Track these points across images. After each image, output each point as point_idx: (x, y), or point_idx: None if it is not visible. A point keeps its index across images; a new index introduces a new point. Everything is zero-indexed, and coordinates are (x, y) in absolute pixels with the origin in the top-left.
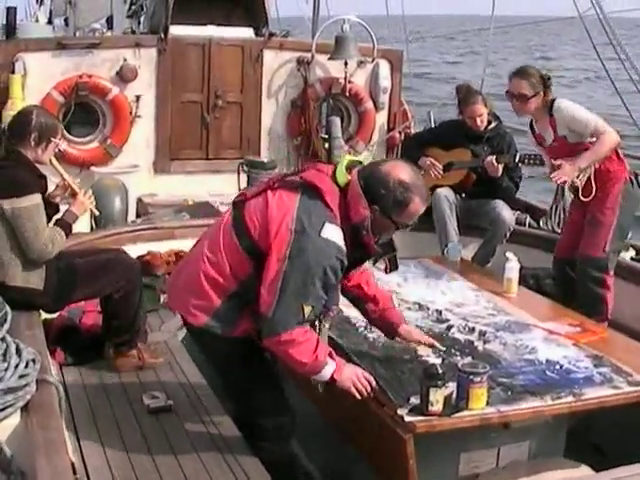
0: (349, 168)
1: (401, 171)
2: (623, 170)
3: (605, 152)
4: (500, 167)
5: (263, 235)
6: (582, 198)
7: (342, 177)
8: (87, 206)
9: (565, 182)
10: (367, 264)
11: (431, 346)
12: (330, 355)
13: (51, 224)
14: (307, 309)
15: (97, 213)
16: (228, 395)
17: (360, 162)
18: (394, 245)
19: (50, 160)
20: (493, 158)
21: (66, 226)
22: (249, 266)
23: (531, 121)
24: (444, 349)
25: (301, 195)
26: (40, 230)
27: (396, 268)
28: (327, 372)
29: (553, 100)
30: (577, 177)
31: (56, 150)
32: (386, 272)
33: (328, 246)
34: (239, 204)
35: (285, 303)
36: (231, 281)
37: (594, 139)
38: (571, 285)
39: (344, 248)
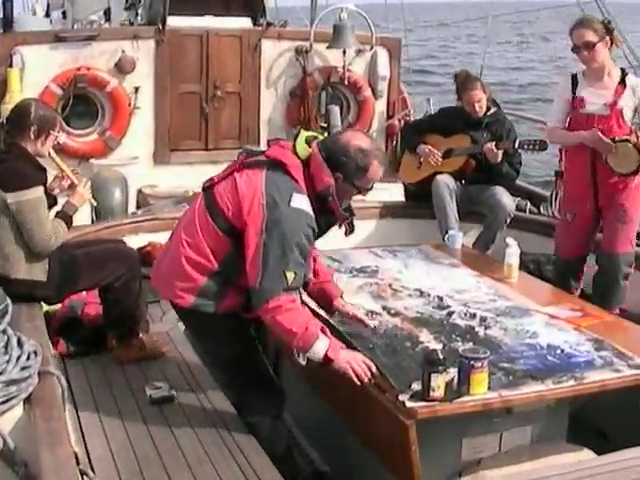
0: (308, 142)
1: (359, 139)
2: None
3: None
4: (500, 153)
5: (237, 214)
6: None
7: (303, 150)
8: (86, 197)
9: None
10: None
11: (362, 322)
12: (322, 331)
13: (50, 216)
14: (290, 275)
15: (95, 203)
16: (215, 373)
17: (316, 136)
18: (352, 210)
19: (49, 152)
20: (492, 144)
21: (67, 218)
22: (227, 245)
23: (574, 76)
24: (373, 326)
25: (267, 171)
26: (43, 223)
27: (353, 231)
28: (320, 348)
29: (624, 70)
30: None
31: (55, 142)
32: (346, 235)
33: (299, 214)
34: (209, 188)
35: (269, 272)
36: (212, 261)
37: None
38: (577, 280)
39: (313, 215)
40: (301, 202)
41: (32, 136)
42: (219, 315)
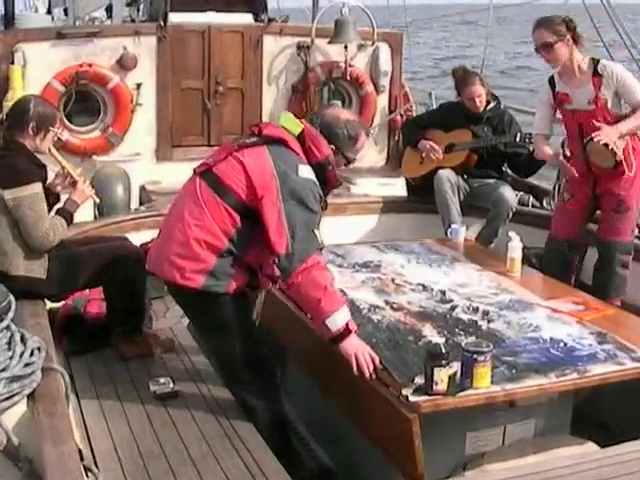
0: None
1: (344, 113)
2: None
3: None
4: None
5: (248, 190)
6: (627, 172)
7: (295, 127)
8: (88, 194)
9: (607, 144)
10: None
11: None
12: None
13: (52, 213)
14: (318, 233)
15: (97, 200)
16: (217, 354)
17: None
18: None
19: (49, 149)
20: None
21: (67, 215)
22: (237, 222)
23: (551, 77)
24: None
25: (269, 148)
26: (41, 219)
27: (326, 207)
28: (342, 317)
29: (595, 59)
30: (614, 144)
31: (55, 139)
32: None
33: (308, 183)
34: (206, 172)
35: (299, 235)
36: (222, 240)
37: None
38: (570, 266)
39: (317, 182)
40: (307, 172)
41: (31, 132)
42: (228, 295)
